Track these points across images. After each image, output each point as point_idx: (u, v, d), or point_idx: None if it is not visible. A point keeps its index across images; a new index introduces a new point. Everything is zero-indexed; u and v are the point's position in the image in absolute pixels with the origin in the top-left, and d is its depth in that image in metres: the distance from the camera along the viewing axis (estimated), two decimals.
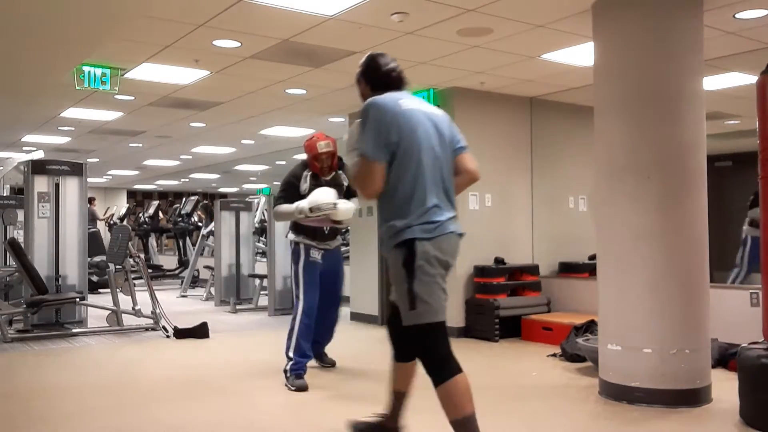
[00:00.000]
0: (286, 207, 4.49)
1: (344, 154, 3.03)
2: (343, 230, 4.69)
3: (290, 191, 4.60)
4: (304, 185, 4.62)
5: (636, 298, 4.09)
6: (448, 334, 2.76)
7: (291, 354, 4.55)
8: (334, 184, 4.65)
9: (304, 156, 4.77)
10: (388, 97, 2.85)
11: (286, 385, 4.50)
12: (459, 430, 2.67)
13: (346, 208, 4.34)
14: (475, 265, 6.66)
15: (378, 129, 2.73)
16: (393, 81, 2.99)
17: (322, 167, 4.67)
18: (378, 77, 3.01)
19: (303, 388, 4.39)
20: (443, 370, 2.68)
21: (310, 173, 4.67)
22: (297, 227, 4.68)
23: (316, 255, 4.68)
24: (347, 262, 10.04)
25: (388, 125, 2.73)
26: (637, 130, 4.12)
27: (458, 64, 5.84)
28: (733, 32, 4.96)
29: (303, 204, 4.34)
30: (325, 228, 4.65)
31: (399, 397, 3.17)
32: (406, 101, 2.86)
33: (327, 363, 5.17)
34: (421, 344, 2.74)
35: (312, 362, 4.84)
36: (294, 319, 4.60)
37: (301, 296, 4.61)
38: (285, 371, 4.57)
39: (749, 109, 3.82)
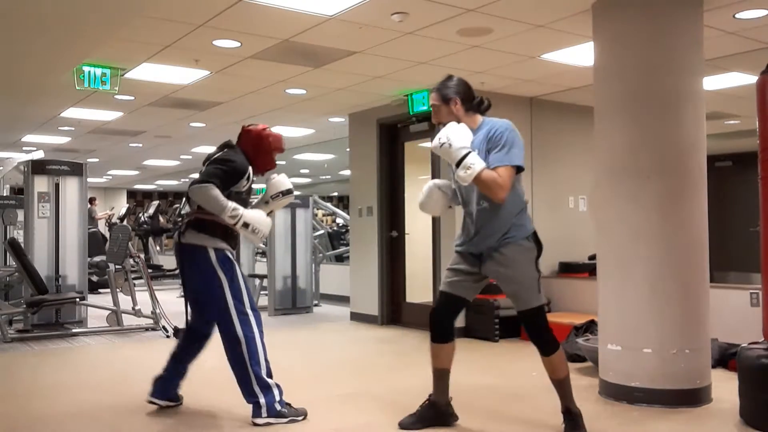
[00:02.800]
0: (221, 199, 3.59)
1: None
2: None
3: (228, 182, 3.67)
4: (245, 184, 3.79)
5: (636, 298, 4.09)
6: None
7: (270, 381, 3.70)
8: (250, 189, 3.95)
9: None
10: None
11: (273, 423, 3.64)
12: (561, 387, 3.41)
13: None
14: None
15: (522, 146, 3.27)
16: (484, 108, 3.47)
17: (271, 167, 3.96)
18: (476, 102, 3.44)
19: (305, 413, 3.77)
20: (552, 343, 3.38)
21: (251, 171, 3.83)
22: (220, 230, 3.73)
23: None
24: (346, 261, 10.11)
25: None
26: (637, 131, 4.12)
27: (458, 64, 5.84)
28: (733, 32, 4.96)
29: (240, 214, 3.60)
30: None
31: (444, 375, 3.53)
32: None
33: (179, 400, 4.11)
34: (541, 322, 3.38)
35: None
36: (248, 341, 3.68)
37: (249, 308, 3.75)
38: (272, 410, 3.65)
39: (749, 109, 3.82)
